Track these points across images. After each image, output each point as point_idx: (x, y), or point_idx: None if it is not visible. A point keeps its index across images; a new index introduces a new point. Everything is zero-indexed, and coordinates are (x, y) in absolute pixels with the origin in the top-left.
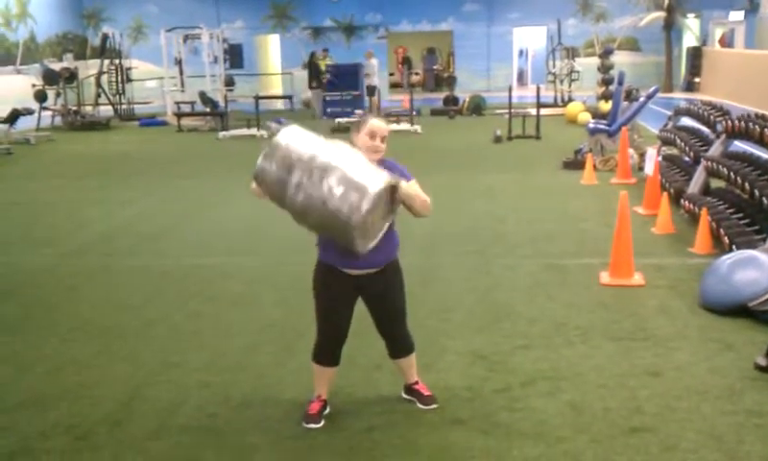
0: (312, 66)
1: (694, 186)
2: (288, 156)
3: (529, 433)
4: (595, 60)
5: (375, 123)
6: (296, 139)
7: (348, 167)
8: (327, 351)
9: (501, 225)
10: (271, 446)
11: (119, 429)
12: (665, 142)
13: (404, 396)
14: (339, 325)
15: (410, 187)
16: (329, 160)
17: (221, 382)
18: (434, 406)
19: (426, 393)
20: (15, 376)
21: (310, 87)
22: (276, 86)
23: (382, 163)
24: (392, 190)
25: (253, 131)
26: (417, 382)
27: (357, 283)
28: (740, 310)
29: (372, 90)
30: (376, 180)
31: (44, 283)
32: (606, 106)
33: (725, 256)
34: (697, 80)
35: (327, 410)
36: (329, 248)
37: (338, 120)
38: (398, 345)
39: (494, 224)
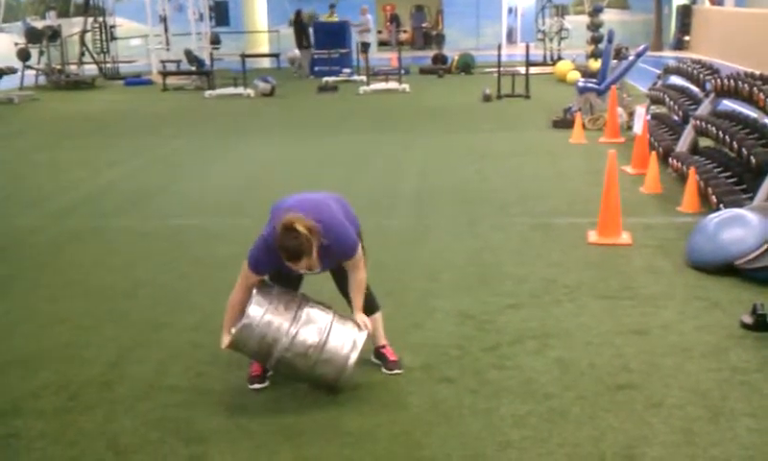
0: (299, 25)
1: (682, 145)
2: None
3: (517, 390)
4: (585, 19)
5: (293, 266)
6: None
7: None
8: None
9: (490, 184)
10: (262, 405)
11: (109, 390)
12: (654, 101)
13: (374, 359)
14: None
15: (365, 317)
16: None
17: (210, 343)
18: (397, 372)
19: (392, 358)
20: (4, 336)
21: (300, 47)
22: (263, 44)
23: (323, 249)
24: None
25: (240, 89)
26: (384, 346)
27: None
28: (727, 269)
29: (365, 47)
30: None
31: (31, 244)
32: (595, 64)
33: (712, 215)
34: (687, 38)
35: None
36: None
37: (325, 79)
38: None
39: (483, 183)
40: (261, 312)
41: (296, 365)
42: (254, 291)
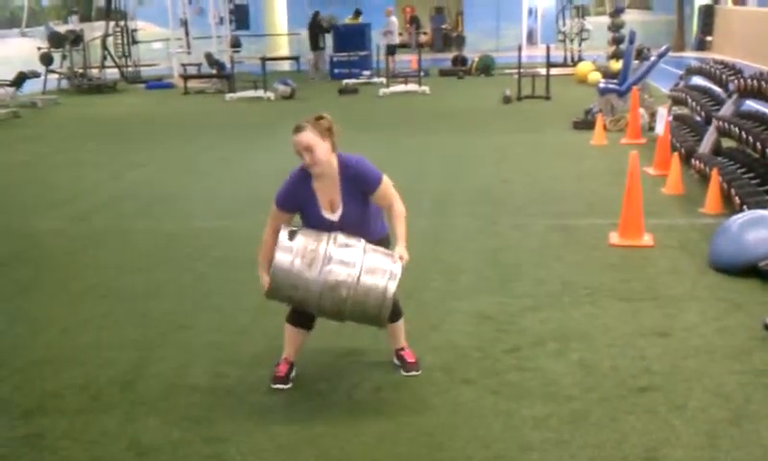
0: (315, 27)
1: (705, 146)
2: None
3: (538, 392)
4: (606, 19)
5: (294, 137)
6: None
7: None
8: (298, 314)
9: (510, 186)
10: (283, 405)
11: (131, 390)
12: (676, 102)
13: (394, 361)
14: None
15: (404, 250)
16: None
17: (231, 343)
18: (415, 373)
19: (410, 360)
20: (29, 337)
21: (314, 48)
22: (283, 47)
23: (345, 171)
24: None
25: (260, 92)
26: (402, 348)
27: None
28: (750, 270)
29: (391, 50)
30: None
31: (54, 246)
32: (616, 65)
33: (735, 217)
34: (709, 38)
35: (294, 372)
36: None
37: (345, 81)
38: None
39: (503, 185)
40: (288, 261)
41: (334, 307)
42: (279, 239)
